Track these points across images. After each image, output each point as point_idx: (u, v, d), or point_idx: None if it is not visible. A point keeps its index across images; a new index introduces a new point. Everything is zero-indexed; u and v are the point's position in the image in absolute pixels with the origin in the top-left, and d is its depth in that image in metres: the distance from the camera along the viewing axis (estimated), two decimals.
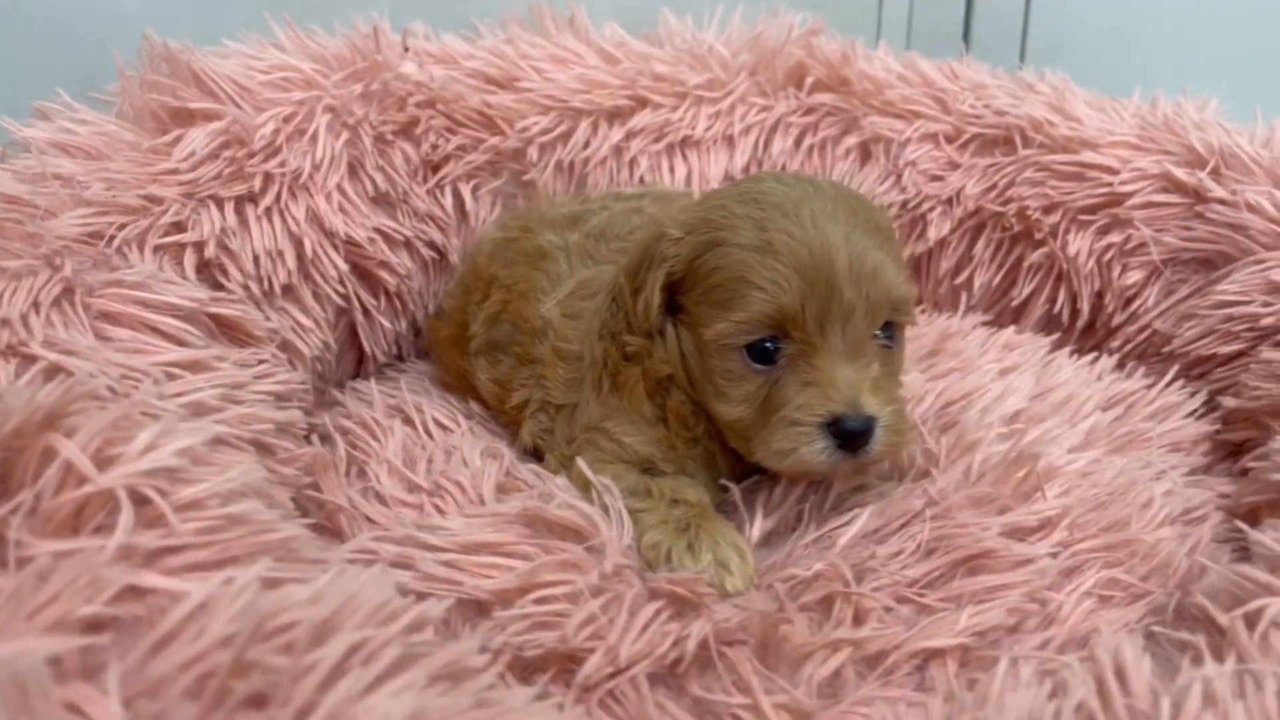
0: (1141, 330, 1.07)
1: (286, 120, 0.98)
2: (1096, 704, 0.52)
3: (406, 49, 1.13)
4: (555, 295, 0.90)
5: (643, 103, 1.18)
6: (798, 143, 1.22)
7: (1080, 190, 1.11)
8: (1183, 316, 1.04)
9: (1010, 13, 1.53)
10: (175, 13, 1.19)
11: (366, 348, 1.03)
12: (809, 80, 1.22)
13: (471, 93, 1.11)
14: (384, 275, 1.02)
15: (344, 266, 0.97)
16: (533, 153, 1.12)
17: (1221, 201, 1.04)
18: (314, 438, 0.86)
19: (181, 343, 0.74)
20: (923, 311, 1.19)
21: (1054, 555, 0.71)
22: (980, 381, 0.95)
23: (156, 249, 0.84)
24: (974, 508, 0.74)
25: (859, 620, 0.66)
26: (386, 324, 1.03)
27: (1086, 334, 1.13)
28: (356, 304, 1.00)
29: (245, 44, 1.06)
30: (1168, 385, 1.01)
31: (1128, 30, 1.53)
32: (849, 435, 0.70)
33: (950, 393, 0.93)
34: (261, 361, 0.83)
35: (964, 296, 1.18)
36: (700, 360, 0.77)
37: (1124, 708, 0.51)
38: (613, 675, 0.61)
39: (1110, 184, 1.10)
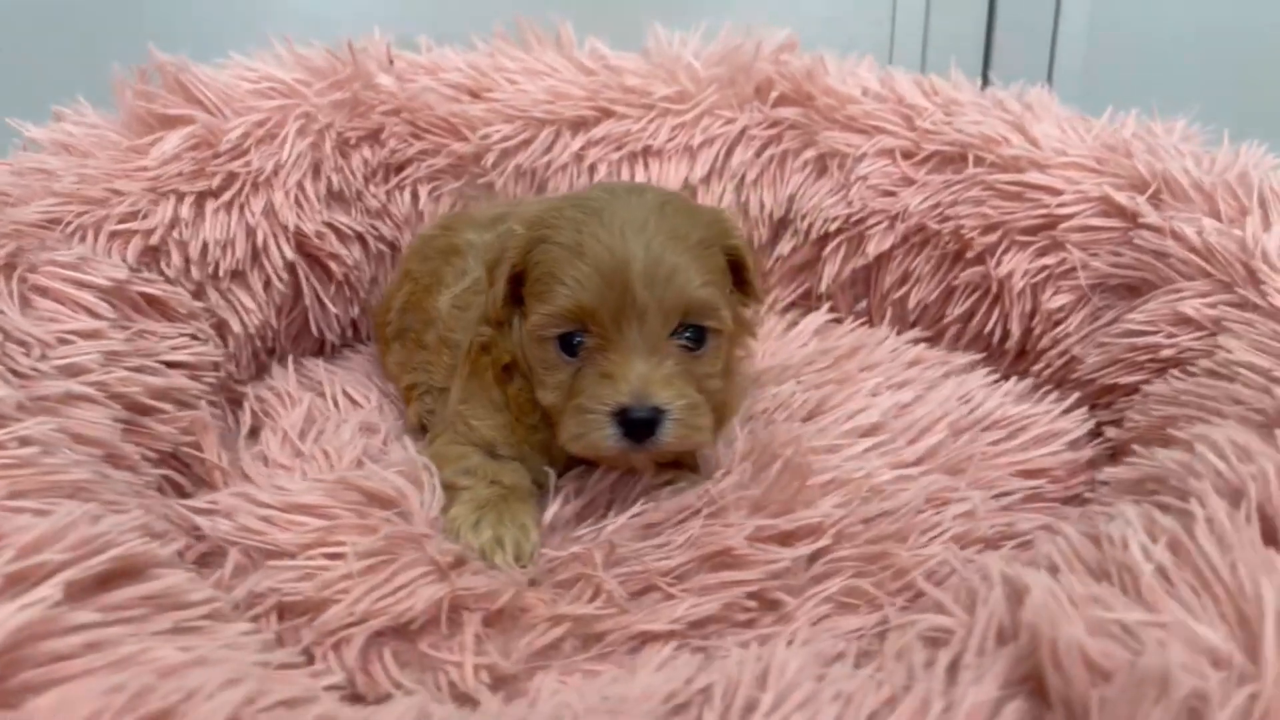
0: (1061, 355, 1.06)
1: (260, 125, 1.12)
2: (720, 689, 0.56)
3: (391, 61, 1.24)
4: (454, 289, 0.98)
5: (607, 113, 1.25)
6: (758, 154, 1.26)
7: (1021, 211, 1.10)
8: (1096, 344, 1.02)
9: (1037, 27, 1.50)
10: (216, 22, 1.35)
11: (315, 330, 1.15)
12: (773, 94, 1.25)
13: (442, 102, 1.21)
14: (333, 265, 1.14)
15: (291, 256, 1.09)
16: (490, 158, 1.20)
17: (1150, 228, 1.01)
18: (222, 402, 0.99)
19: (93, 314, 0.88)
20: (864, 324, 1.20)
21: (809, 560, 0.74)
22: (849, 393, 0.97)
23: (111, 235, 0.99)
24: (746, 509, 0.77)
25: (592, 600, 0.71)
26: (335, 310, 1.15)
27: (1019, 357, 1.12)
28: (307, 290, 1.13)
29: (245, 57, 1.20)
30: (1066, 412, 0.99)
31: (1159, 45, 1.46)
32: (634, 424, 0.77)
33: (811, 402, 0.95)
34: (183, 335, 0.96)
35: (904, 312, 1.19)
36: (528, 349, 0.84)
37: (738, 692, 0.54)
38: (348, 626, 0.69)
39: (1050, 205, 1.08)
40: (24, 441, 0.68)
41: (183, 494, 0.88)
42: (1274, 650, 0.49)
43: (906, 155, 1.20)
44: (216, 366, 0.99)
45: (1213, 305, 0.93)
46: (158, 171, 1.04)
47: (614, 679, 0.63)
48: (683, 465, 0.88)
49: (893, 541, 0.77)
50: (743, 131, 1.26)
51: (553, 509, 0.81)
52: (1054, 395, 1.03)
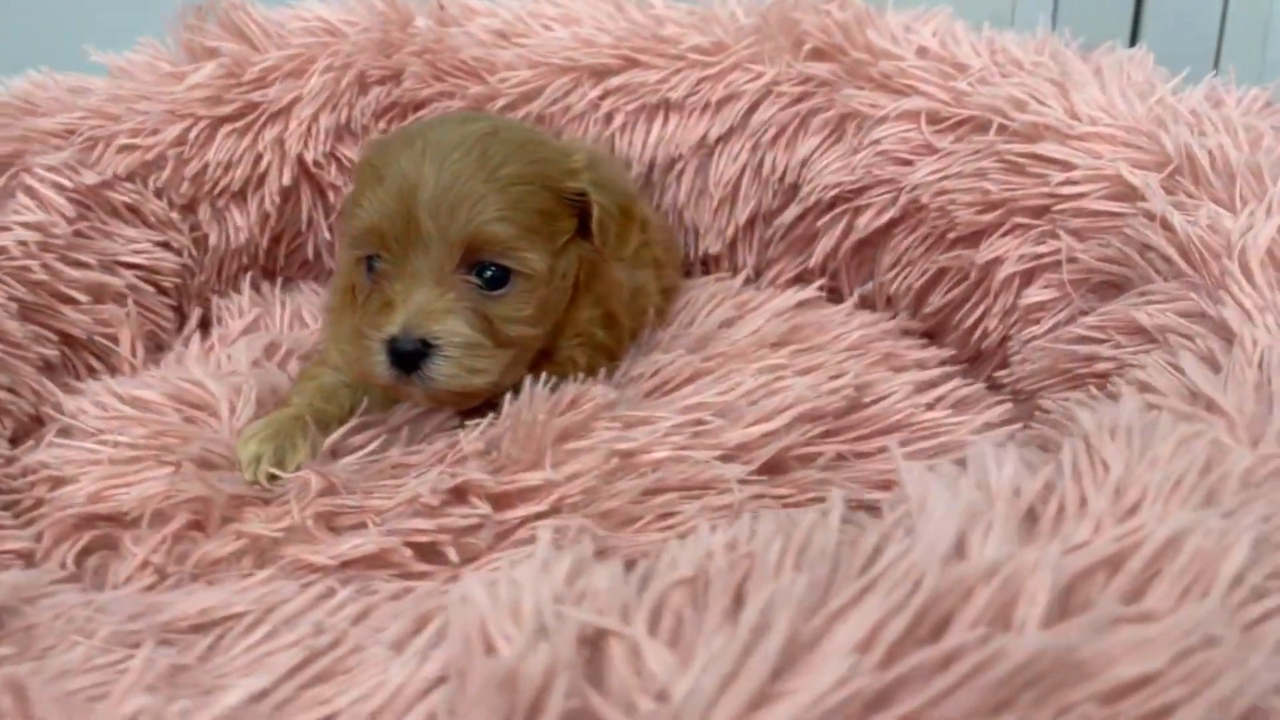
0: (1023, 362, 0.88)
1: (291, 59, 1.20)
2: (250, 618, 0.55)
3: (442, 6, 1.27)
4: None
5: (631, 62, 1.20)
6: (782, 112, 1.14)
7: (1025, 187, 0.93)
8: (1043, 349, 0.84)
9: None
10: None
11: (311, 255, 1.21)
12: (807, 47, 1.13)
13: (470, 45, 1.23)
14: (331, 195, 1.20)
15: (288, 182, 1.16)
16: (499, 103, 1.20)
17: (1147, 215, 0.81)
18: (188, 306, 1.09)
19: (53, 210, 0.99)
20: (858, 307, 1.07)
21: (518, 523, 0.69)
22: (731, 371, 0.87)
23: (120, 149, 1.11)
24: (488, 464, 0.73)
25: (280, 523, 0.71)
26: (332, 237, 1.21)
27: (993, 358, 0.94)
28: (306, 216, 1.19)
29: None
30: (987, 427, 0.83)
31: None
32: (401, 356, 0.75)
33: (684, 374, 0.87)
34: (151, 242, 1.07)
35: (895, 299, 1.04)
36: (352, 271, 0.85)
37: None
38: (70, 506, 0.74)
39: (1053, 183, 0.90)
40: None
41: (94, 374, 0.97)
42: None
43: (934, 120, 1.04)
44: (181, 273, 1.08)
45: (1168, 313, 0.73)
46: (183, 96, 1.15)
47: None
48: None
49: (613, 523, 0.68)
50: (769, 87, 1.15)
51: (335, 435, 0.80)
52: (1000, 408, 0.86)
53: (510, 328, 0.80)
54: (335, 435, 0.80)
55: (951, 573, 0.44)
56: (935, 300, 1.00)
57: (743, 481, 0.74)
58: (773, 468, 0.77)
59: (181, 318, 1.11)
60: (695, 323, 1.04)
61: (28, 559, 0.72)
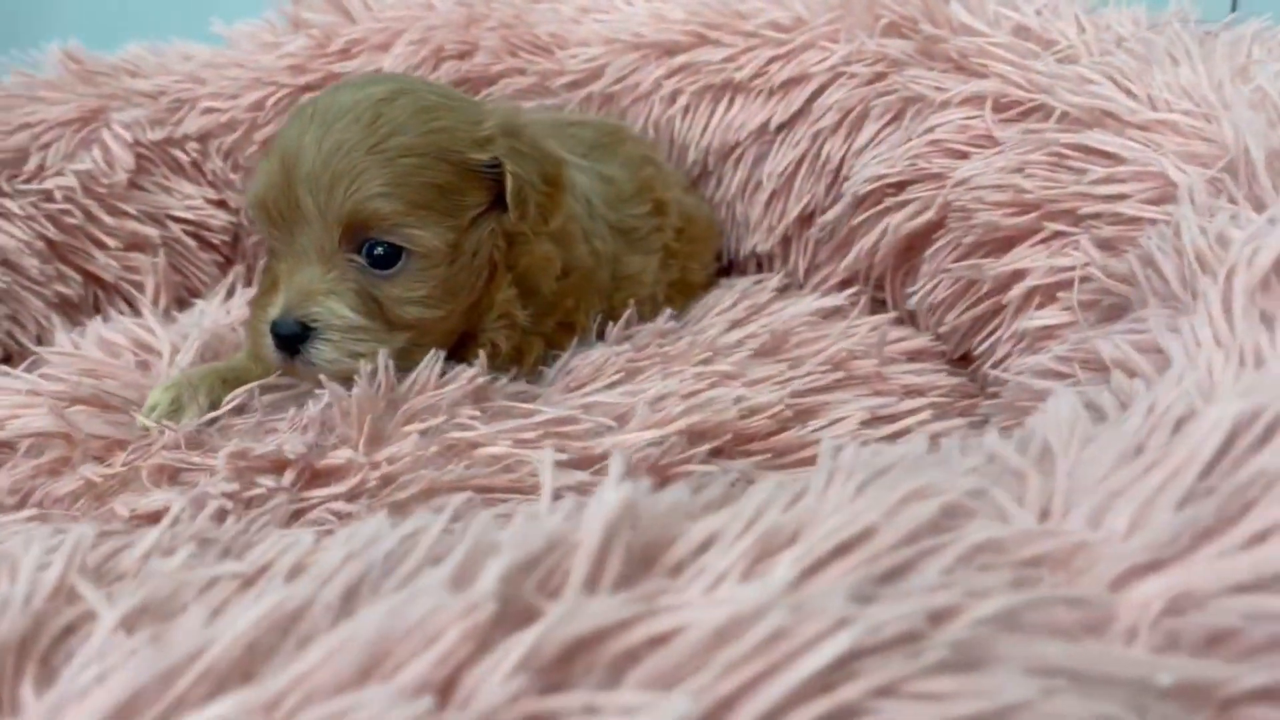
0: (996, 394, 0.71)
1: (378, 32, 1.21)
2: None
3: None
4: None
5: (702, 39, 1.11)
6: (851, 94, 1.00)
7: (1064, 184, 0.75)
8: (1014, 380, 0.66)
9: None
10: None
11: None
12: (882, 21, 0.99)
13: (550, 21, 1.19)
14: None
15: None
16: (562, 80, 1.15)
17: (1167, 223, 0.63)
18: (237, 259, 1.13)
19: (107, 162, 1.06)
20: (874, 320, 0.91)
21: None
22: (655, 375, 0.77)
23: (203, 111, 1.17)
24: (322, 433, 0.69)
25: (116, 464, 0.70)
26: None
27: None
28: None
29: None
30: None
31: None
32: (283, 339, 0.73)
33: (610, 370, 0.78)
34: (206, 199, 1.12)
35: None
36: None
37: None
38: None
39: (1084, 181, 0.72)
40: None
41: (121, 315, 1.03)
42: None
43: (1000, 106, 0.87)
44: (230, 230, 1.12)
45: (1128, 343, 0.55)
46: (270, 64, 1.20)
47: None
48: None
49: (401, 514, 0.61)
50: (840, 68, 1.01)
51: (238, 393, 0.78)
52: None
53: (404, 309, 0.74)
54: (240, 392, 0.78)
55: None
56: (952, 318, 0.83)
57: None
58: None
59: (227, 274, 1.15)
60: (700, 323, 0.93)
61: None
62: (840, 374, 0.78)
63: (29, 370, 0.88)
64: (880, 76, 0.99)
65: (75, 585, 0.41)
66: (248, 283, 1.14)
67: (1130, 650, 0.33)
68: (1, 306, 0.93)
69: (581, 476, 0.65)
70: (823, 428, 0.72)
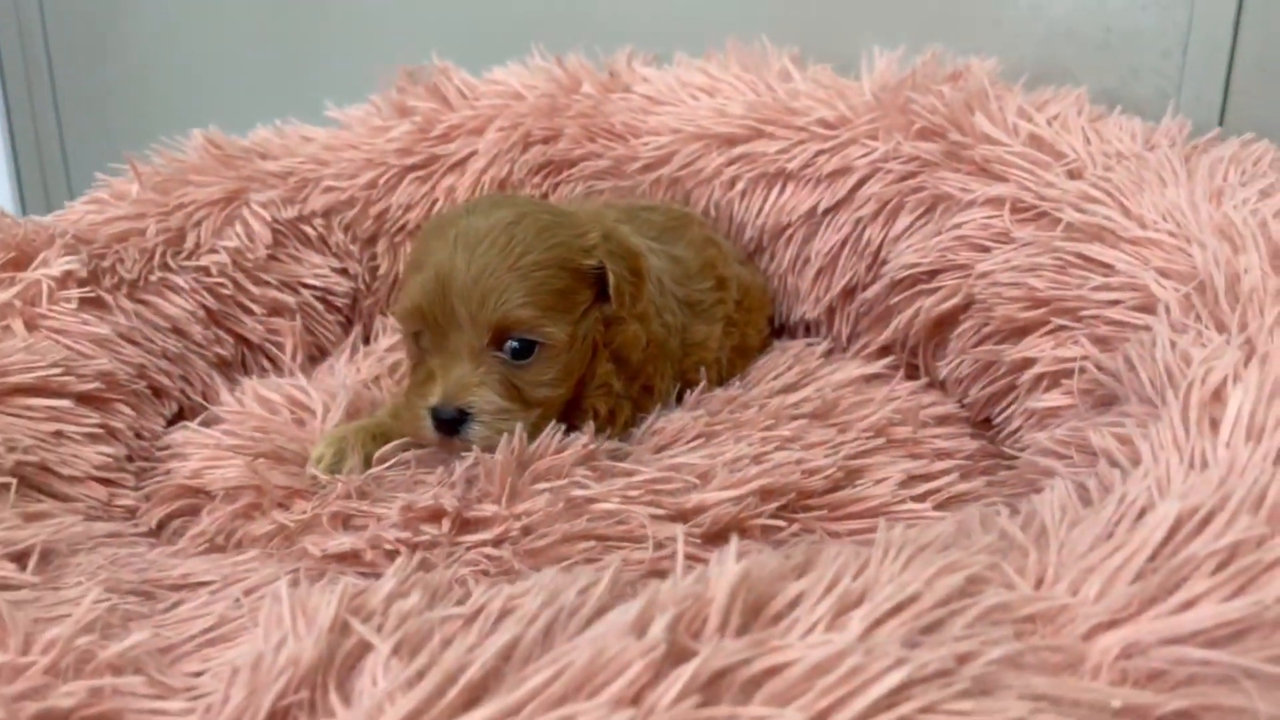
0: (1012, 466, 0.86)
1: (472, 119, 1.38)
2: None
3: (611, 74, 1.40)
4: None
5: (758, 133, 1.26)
6: (888, 188, 1.15)
7: (1066, 288, 0.90)
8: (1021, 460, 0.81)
9: None
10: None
11: None
12: (916, 126, 1.14)
13: (623, 111, 1.35)
14: None
15: None
16: (635, 165, 1.31)
17: (1148, 331, 0.78)
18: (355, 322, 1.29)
19: (249, 237, 1.23)
20: (926, 385, 1.07)
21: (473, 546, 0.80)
22: (734, 439, 0.92)
23: (324, 189, 1.33)
24: (458, 491, 0.84)
25: (305, 516, 0.86)
26: None
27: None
28: None
29: (514, 64, 1.46)
30: None
31: None
32: (442, 422, 0.89)
33: (690, 433, 0.94)
34: (331, 268, 1.28)
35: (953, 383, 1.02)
36: None
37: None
38: (184, 481, 0.94)
39: (1083, 288, 0.87)
40: (83, 301, 1.03)
41: (265, 372, 1.20)
42: None
43: (1016, 208, 1.02)
44: (351, 294, 1.29)
45: (1110, 435, 0.70)
46: (381, 147, 1.36)
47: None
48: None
49: (538, 559, 0.77)
50: (877, 164, 1.17)
51: (386, 448, 0.94)
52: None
53: (536, 391, 0.91)
54: (387, 448, 0.95)
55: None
56: (974, 392, 0.98)
57: (688, 542, 0.80)
58: (719, 535, 0.81)
59: (348, 333, 1.32)
60: (757, 386, 1.08)
61: (131, 514, 0.93)
62: (881, 439, 0.93)
63: (204, 425, 1.05)
64: (913, 174, 1.14)
65: (348, 621, 0.57)
66: (366, 340, 1.31)
67: (1094, 683, 0.49)
68: (176, 368, 1.10)
69: (677, 529, 0.81)
70: (867, 486, 0.87)
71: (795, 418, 0.97)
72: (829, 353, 1.17)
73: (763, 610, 0.53)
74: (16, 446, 0.85)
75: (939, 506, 0.86)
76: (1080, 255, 0.90)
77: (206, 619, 0.66)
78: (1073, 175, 0.99)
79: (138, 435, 1.00)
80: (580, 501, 0.82)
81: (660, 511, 0.81)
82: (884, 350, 1.15)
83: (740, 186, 1.26)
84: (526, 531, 0.79)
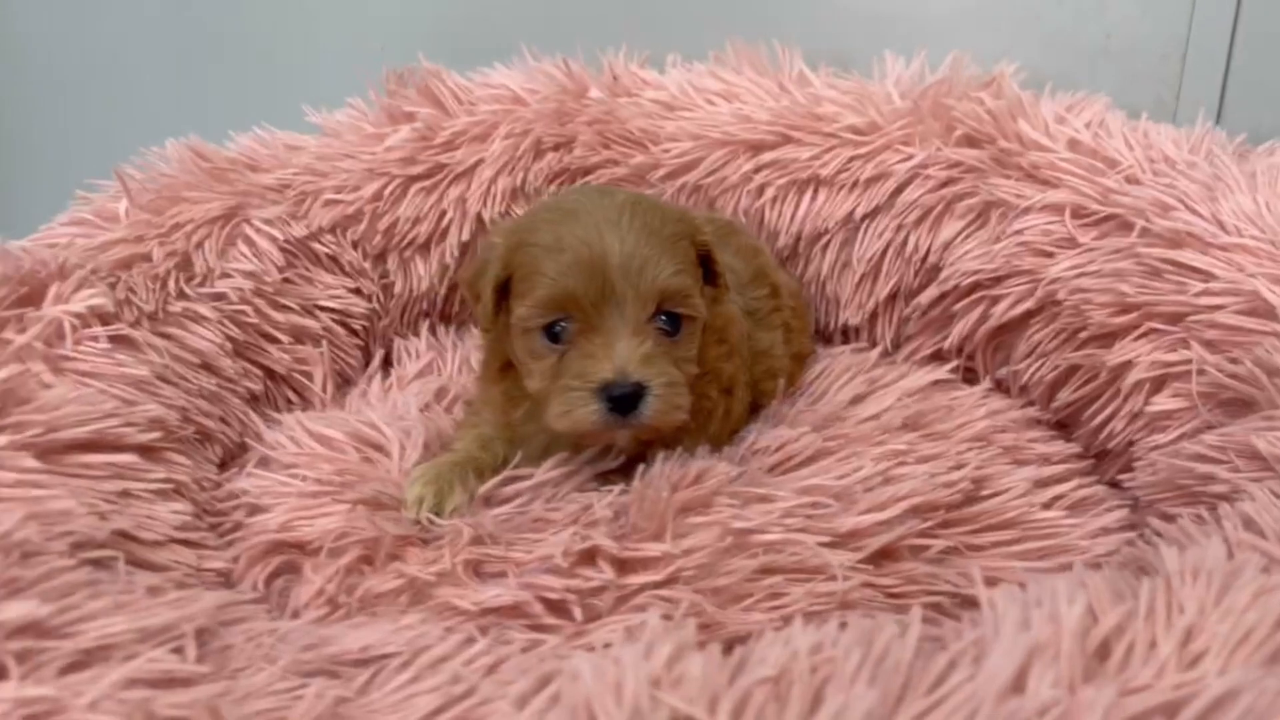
0: (1148, 467, 0.88)
1: (476, 124, 1.31)
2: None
3: (615, 77, 1.36)
4: None
5: (786, 139, 1.26)
6: (929, 194, 1.17)
7: (1162, 293, 0.93)
8: (1164, 463, 0.84)
9: None
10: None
11: None
12: (957, 133, 1.16)
13: (637, 117, 1.31)
14: None
15: (466, 239, 1.28)
16: (660, 172, 1.28)
17: (1273, 335, 0.81)
18: (372, 344, 1.22)
19: (266, 259, 1.13)
20: (989, 391, 1.09)
21: (637, 589, 0.76)
22: (854, 453, 0.92)
23: (326, 202, 1.24)
24: (614, 529, 0.80)
25: (435, 567, 0.80)
26: None
27: (1119, 458, 0.95)
28: None
29: (502, 68, 1.40)
30: (1104, 532, 0.84)
31: None
32: (618, 399, 0.83)
33: (808, 451, 0.92)
34: (345, 288, 1.20)
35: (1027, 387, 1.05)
36: (515, 343, 0.92)
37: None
38: (263, 532, 0.86)
39: (1189, 292, 0.90)
40: (114, 338, 0.92)
41: (291, 406, 1.11)
42: None
43: (1078, 214, 1.05)
44: (368, 316, 1.21)
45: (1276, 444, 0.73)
46: (381, 156, 1.28)
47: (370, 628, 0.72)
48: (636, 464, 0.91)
49: (723, 599, 0.74)
50: (918, 170, 1.18)
51: (487, 485, 0.89)
52: (1117, 513, 0.87)
53: (686, 367, 0.88)
54: (488, 485, 0.89)
55: (1005, 708, 0.48)
56: (1065, 395, 1.01)
57: (851, 568, 0.79)
58: (882, 557, 0.80)
59: (367, 357, 1.23)
60: (825, 396, 1.08)
61: (226, 578, 0.84)
62: (992, 448, 0.95)
63: (258, 468, 0.96)
64: (954, 180, 1.16)
65: (656, 696, 0.53)
66: (385, 365, 1.23)
67: None
68: (214, 408, 0.99)
69: (835, 555, 0.80)
70: (994, 497, 0.88)
71: (886, 431, 0.97)
72: (880, 357, 1.18)
73: (1111, 650, 0.53)
74: (106, 513, 0.75)
75: (1070, 510, 0.88)
76: (1170, 261, 0.93)
77: (430, 698, 0.60)
78: (1130, 181, 1.03)
79: (200, 487, 0.90)
80: (742, 533, 0.79)
81: (824, 539, 0.80)
82: (935, 355, 1.17)
83: (770, 193, 1.25)
84: (704, 570, 0.76)
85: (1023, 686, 0.49)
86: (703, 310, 0.88)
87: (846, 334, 1.26)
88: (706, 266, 0.91)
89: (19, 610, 0.59)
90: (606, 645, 0.73)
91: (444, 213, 1.29)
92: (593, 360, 0.83)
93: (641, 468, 0.86)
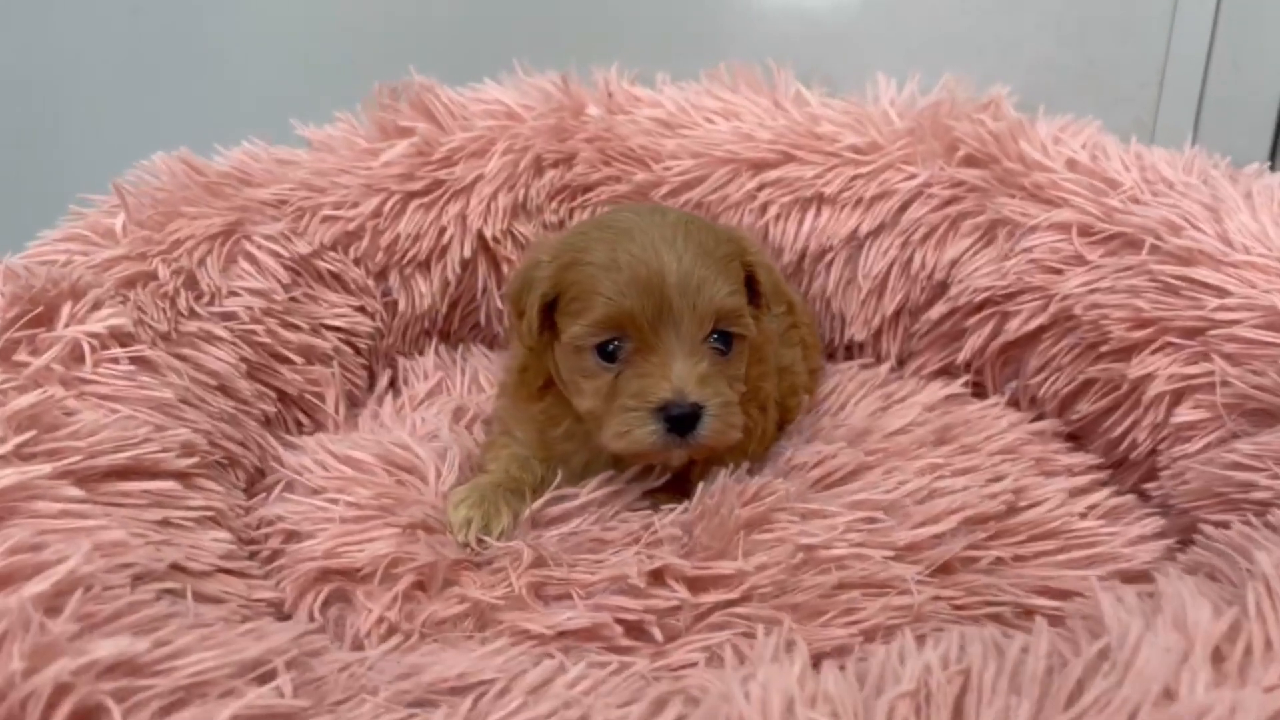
0: (1175, 477, 0.92)
1: (474, 140, 1.30)
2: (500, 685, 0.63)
3: (610, 94, 1.37)
4: None
5: (788, 157, 1.27)
6: (933, 213, 1.20)
7: (1178, 309, 0.97)
8: (1198, 471, 0.88)
9: None
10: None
11: (484, 322, 1.30)
12: (960, 153, 1.20)
13: (637, 134, 1.32)
14: (505, 268, 1.29)
15: (469, 255, 1.26)
16: (663, 189, 1.28)
17: None
18: (376, 365, 1.19)
19: (272, 277, 1.10)
20: (999, 404, 1.12)
21: (711, 608, 0.76)
22: (894, 467, 0.93)
23: (323, 219, 1.21)
24: (679, 547, 0.80)
25: (500, 590, 0.79)
26: (499, 304, 1.30)
27: (1149, 474, 0.98)
28: (481, 285, 1.29)
29: (492, 83, 1.39)
30: (1141, 540, 0.87)
31: None
32: (676, 419, 0.83)
33: (850, 466, 0.93)
34: (350, 306, 1.17)
35: (1041, 400, 1.09)
36: (565, 362, 0.91)
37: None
38: (308, 559, 0.83)
39: (1208, 308, 0.95)
40: (134, 359, 0.88)
41: (301, 429, 1.07)
42: None
43: (1085, 232, 1.09)
44: (373, 335, 1.18)
45: None
46: (378, 171, 1.25)
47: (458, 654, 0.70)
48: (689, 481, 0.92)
49: (800, 615, 0.75)
50: (922, 188, 1.21)
51: (534, 506, 0.88)
52: (1150, 520, 0.91)
53: (737, 385, 0.89)
54: (535, 505, 0.88)
55: (1163, 714, 0.49)
56: (1083, 407, 1.05)
57: (919, 582, 0.80)
58: (941, 569, 0.82)
59: (372, 377, 1.20)
60: (845, 410, 1.10)
61: (277, 608, 0.81)
62: (1023, 460, 0.97)
63: (286, 493, 0.93)
64: (958, 199, 1.20)
65: (808, 714, 0.53)
66: (391, 384, 1.20)
67: None
68: (235, 431, 0.96)
69: (901, 569, 0.81)
70: (1033, 508, 0.91)
71: (922, 445, 0.99)
72: (888, 373, 1.21)
73: (1225, 653, 0.55)
74: (157, 544, 0.72)
75: (1106, 518, 0.91)
76: (1184, 278, 0.98)
77: None
78: (1134, 201, 1.08)
79: (234, 514, 0.87)
80: (810, 549, 0.80)
81: (889, 553, 0.81)
82: (942, 370, 1.20)
83: (774, 211, 1.27)
84: (781, 588, 0.77)
85: (1175, 693, 0.51)
86: (753, 330, 0.89)
87: (851, 349, 1.28)
88: (750, 286, 0.92)
89: (112, 647, 0.56)
90: (689, 665, 0.73)
91: (444, 229, 1.27)
92: (650, 380, 0.83)
93: (702, 485, 0.86)
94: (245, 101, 1.56)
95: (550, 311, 0.92)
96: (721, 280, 0.85)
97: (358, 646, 0.77)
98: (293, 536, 0.86)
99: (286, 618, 0.80)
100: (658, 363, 0.84)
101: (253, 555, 0.86)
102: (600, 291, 0.85)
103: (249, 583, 0.80)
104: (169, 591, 0.70)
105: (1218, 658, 0.56)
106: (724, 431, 0.84)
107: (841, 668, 0.60)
